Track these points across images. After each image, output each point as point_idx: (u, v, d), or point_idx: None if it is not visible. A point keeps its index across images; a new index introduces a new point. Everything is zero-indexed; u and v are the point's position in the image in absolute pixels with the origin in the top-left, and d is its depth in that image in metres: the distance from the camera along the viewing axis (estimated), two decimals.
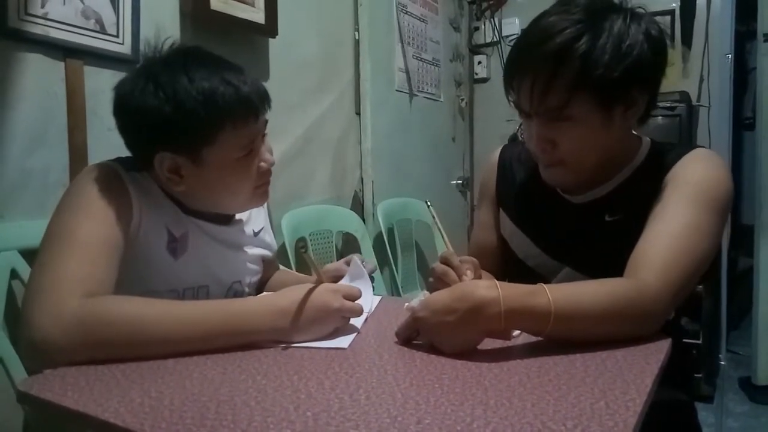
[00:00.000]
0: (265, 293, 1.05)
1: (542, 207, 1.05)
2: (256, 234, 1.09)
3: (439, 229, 0.99)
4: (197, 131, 0.83)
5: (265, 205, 1.15)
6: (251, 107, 0.86)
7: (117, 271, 0.81)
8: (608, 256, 0.87)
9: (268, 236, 1.14)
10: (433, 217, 1.02)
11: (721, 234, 0.89)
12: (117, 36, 1.34)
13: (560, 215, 1.02)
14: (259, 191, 0.94)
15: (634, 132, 0.99)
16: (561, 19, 0.85)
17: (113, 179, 0.86)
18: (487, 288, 0.71)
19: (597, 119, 0.87)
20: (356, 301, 0.83)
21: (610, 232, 0.95)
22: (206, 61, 0.86)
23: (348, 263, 1.07)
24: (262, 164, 0.91)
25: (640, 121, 0.94)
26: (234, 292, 1.02)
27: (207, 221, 0.96)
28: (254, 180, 0.91)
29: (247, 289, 1.06)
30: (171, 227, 0.91)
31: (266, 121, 0.92)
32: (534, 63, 0.86)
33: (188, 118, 0.81)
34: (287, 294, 0.80)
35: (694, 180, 0.88)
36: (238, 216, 1.05)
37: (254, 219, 1.10)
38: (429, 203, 1.04)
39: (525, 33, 0.90)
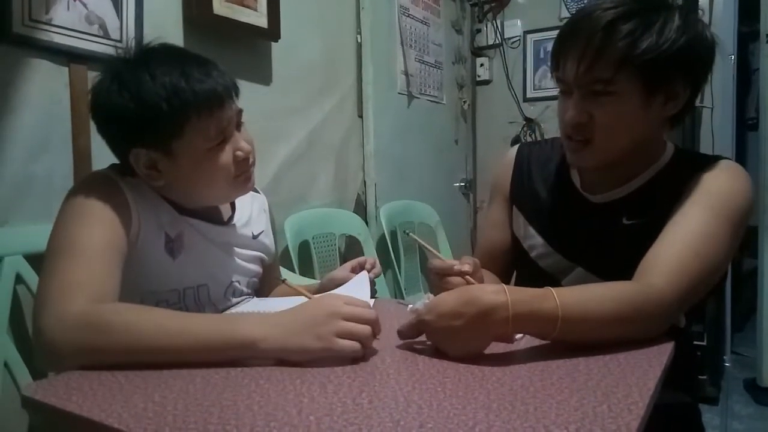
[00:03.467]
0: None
1: (559, 206, 1.05)
2: (255, 237, 1.09)
3: (427, 248, 1.05)
4: (163, 125, 0.84)
5: (268, 208, 1.16)
6: (214, 97, 0.86)
7: (120, 274, 0.82)
8: (623, 259, 0.87)
9: (268, 239, 1.14)
10: (417, 240, 1.11)
11: (736, 247, 0.89)
12: (121, 41, 1.35)
13: (577, 215, 1.02)
14: (240, 179, 0.94)
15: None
16: (616, 1, 0.88)
17: (109, 186, 0.87)
18: (494, 293, 0.71)
19: (638, 100, 0.88)
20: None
21: (627, 236, 0.95)
22: (169, 56, 0.88)
23: (355, 267, 1.07)
24: (239, 153, 0.91)
25: (674, 122, 0.95)
26: (233, 290, 1.02)
27: (202, 220, 0.97)
28: (231, 170, 0.91)
29: (246, 289, 1.06)
30: (167, 228, 0.92)
31: (240, 111, 0.92)
32: (585, 34, 0.87)
33: (152, 113, 0.83)
34: (287, 309, 0.77)
35: (715, 190, 0.88)
36: (235, 218, 1.05)
37: (255, 222, 1.10)
38: (408, 232, 1.15)
39: (579, 9, 0.93)
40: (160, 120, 0.83)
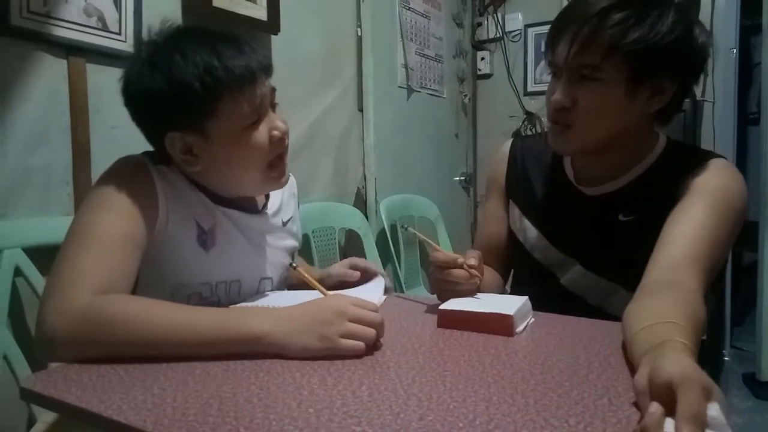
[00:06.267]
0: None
1: (553, 198, 1.06)
2: (285, 224, 1.08)
3: (427, 242, 1.04)
4: (197, 105, 0.83)
5: (296, 193, 1.15)
6: (247, 73, 0.85)
7: (136, 266, 0.81)
8: (621, 257, 0.86)
9: (296, 226, 1.13)
10: (417, 235, 1.08)
11: (732, 245, 0.90)
12: (119, 33, 1.34)
13: (571, 207, 1.02)
14: (275, 173, 0.93)
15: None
16: None
17: (139, 173, 0.86)
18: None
19: (622, 90, 0.88)
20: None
21: (624, 233, 0.95)
22: (199, 36, 0.87)
23: (353, 266, 1.07)
24: (275, 133, 0.90)
25: (663, 120, 0.95)
26: (265, 287, 1.02)
27: (235, 209, 0.96)
28: (267, 151, 0.90)
29: (278, 284, 1.05)
30: (200, 220, 0.91)
31: (273, 89, 0.91)
32: (579, 19, 0.88)
33: (185, 93, 0.82)
34: (292, 305, 0.76)
35: (713, 189, 0.89)
36: (269, 205, 1.04)
37: (285, 209, 1.09)
38: (407, 227, 1.12)
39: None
40: (193, 99, 0.82)
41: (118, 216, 0.81)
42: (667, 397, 0.48)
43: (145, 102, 0.85)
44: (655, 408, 0.47)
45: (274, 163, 0.92)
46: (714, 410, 0.47)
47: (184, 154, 0.87)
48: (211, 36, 0.86)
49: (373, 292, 0.99)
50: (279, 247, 1.05)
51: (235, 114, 0.85)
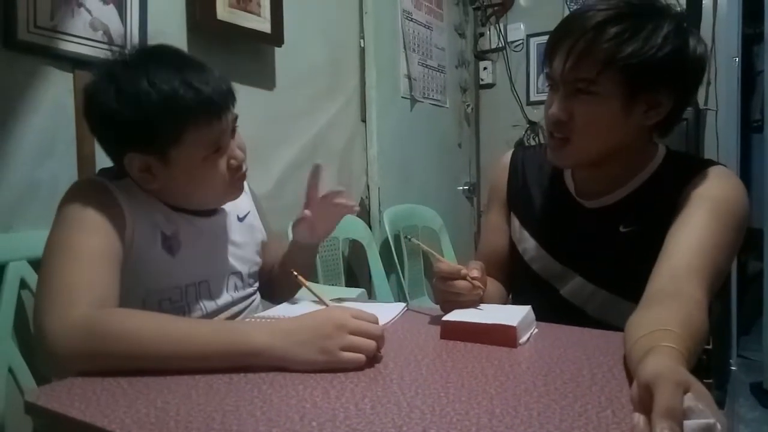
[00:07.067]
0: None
1: (553, 210, 1.06)
2: (241, 219, 1.09)
3: (431, 252, 1.03)
4: (161, 134, 0.84)
5: (248, 190, 1.15)
6: (213, 108, 0.86)
7: (118, 280, 0.82)
8: (622, 268, 0.85)
9: (256, 220, 1.14)
10: (420, 245, 1.08)
11: (735, 253, 0.90)
12: (125, 47, 1.35)
13: (572, 220, 1.02)
14: (233, 186, 0.95)
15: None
16: (611, 3, 0.88)
17: (100, 191, 0.87)
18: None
19: (618, 103, 0.88)
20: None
21: (624, 244, 0.95)
22: (168, 61, 0.87)
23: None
24: (233, 161, 0.92)
25: (661, 132, 0.95)
26: (234, 284, 1.03)
27: (193, 215, 0.97)
28: (226, 177, 0.92)
29: (248, 280, 1.06)
30: (162, 227, 0.92)
31: (235, 117, 0.93)
32: (575, 32, 0.88)
33: (150, 121, 0.83)
34: (292, 318, 0.76)
35: (714, 197, 0.88)
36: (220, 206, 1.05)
37: (238, 204, 1.09)
38: (410, 237, 1.12)
39: (576, 8, 0.94)
40: (157, 129, 0.83)
41: (93, 233, 0.82)
42: (652, 401, 0.48)
43: (107, 122, 0.86)
44: (636, 419, 0.48)
45: (232, 182, 0.94)
46: (690, 401, 0.47)
47: (142, 172, 0.88)
48: (179, 63, 0.87)
49: (388, 312, 0.98)
50: (243, 242, 1.06)
51: (198, 143, 0.86)
